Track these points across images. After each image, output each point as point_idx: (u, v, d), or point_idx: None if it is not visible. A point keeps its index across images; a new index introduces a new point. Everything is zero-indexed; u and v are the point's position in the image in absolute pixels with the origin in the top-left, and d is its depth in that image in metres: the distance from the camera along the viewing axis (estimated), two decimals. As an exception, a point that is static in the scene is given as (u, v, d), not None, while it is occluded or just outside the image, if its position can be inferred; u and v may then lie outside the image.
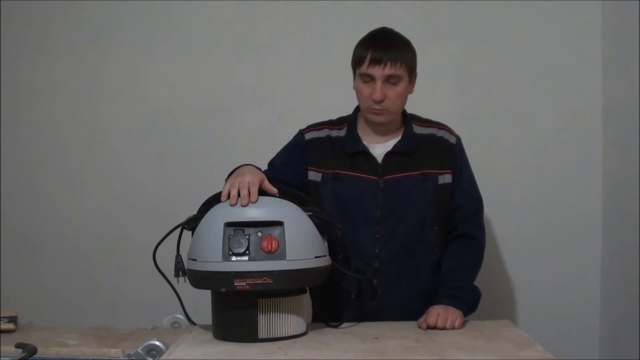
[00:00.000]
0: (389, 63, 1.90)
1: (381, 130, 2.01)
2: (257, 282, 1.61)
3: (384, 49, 1.91)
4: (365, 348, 1.63)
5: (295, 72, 2.63)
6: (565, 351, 2.37)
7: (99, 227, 2.70)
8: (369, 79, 1.92)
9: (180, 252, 1.78)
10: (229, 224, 1.66)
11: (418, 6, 2.58)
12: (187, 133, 2.67)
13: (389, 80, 1.91)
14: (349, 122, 2.05)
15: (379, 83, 1.91)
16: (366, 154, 2.00)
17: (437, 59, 2.56)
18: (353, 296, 1.86)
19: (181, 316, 1.95)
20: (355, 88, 2.00)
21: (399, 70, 1.91)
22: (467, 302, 1.91)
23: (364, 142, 2.01)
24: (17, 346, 1.68)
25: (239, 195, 1.71)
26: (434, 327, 1.80)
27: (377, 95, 1.91)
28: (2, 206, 2.72)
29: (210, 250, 1.65)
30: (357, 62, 1.96)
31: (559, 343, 2.25)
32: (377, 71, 1.90)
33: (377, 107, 1.93)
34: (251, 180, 1.73)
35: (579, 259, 2.57)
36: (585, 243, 2.56)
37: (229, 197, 1.72)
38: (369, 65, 1.91)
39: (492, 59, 2.59)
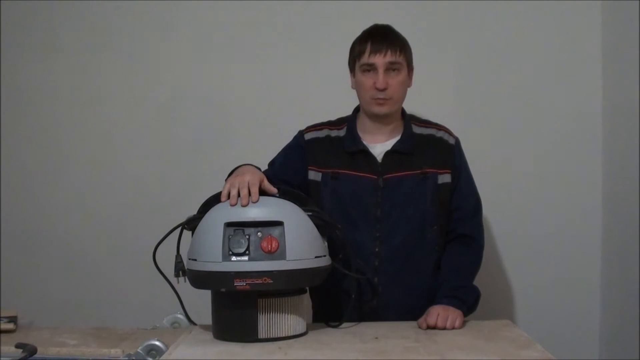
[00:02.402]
0: (389, 51, 1.94)
1: (381, 127, 2.01)
2: (257, 282, 1.61)
3: (383, 38, 1.96)
4: (365, 348, 1.63)
5: (295, 73, 2.62)
6: (565, 351, 2.37)
7: (99, 227, 2.70)
8: (370, 68, 1.95)
9: (180, 252, 1.78)
10: (229, 224, 1.66)
11: (418, 6, 2.58)
12: (186, 133, 2.66)
13: (391, 67, 1.94)
14: (349, 122, 2.06)
15: (381, 71, 1.94)
16: (366, 153, 2.00)
17: (437, 59, 2.56)
18: (353, 296, 1.86)
19: (181, 316, 1.96)
20: (356, 84, 2.01)
21: (400, 58, 1.95)
22: (467, 302, 1.91)
23: (364, 142, 2.01)
24: (17, 346, 1.69)
25: (239, 195, 1.71)
26: (434, 327, 1.80)
27: (380, 83, 1.93)
28: (2, 206, 2.72)
29: (210, 250, 1.65)
30: (356, 55, 1.99)
31: (559, 343, 2.25)
32: (379, 59, 1.94)
33: (380, 95, 1.95)
34: (251, 180, 1.73)
35: (579, 259, 2.57)
36: (585, 243, 2.56)
37: (229, 197, 1.72)
38: (370, 54, 1.95)
39: (492, 59, 2.59)
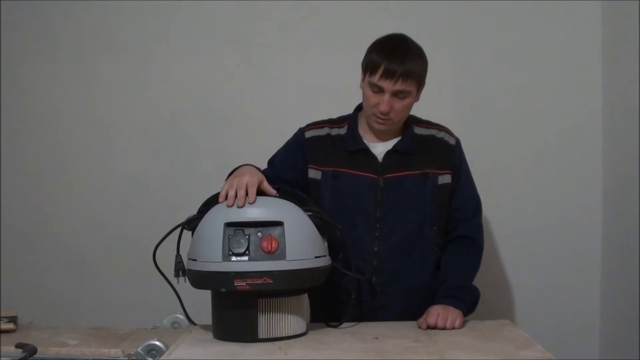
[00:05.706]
0: (400, 79, 1.88)
1: (382, 133, 2.01)
2: (257, 282, 1.61)
3: (398, 63, 1.88)
4: (365, 348, 1.63)
5: (295, 72, 2.62)
6: (565, 351, 2.38)
7: (99, 227, 2.70)
8: (378, 90, 1.91)
9: (180, 252, 1.78)
10: (229, 224, 1.66)
11: (418, 6, 2.58)
12: (187, 133, 2.67)
13: (397, 94, 1.90)
14: (350, 120, 2.05)
15: (387, 96, 1.89)
16: (366, 152, 2.00)
17: (437, 59, 2.54)
18: (353, 296, 1.86)
19: (181, 316, 1.96)
20: (362, 91, 1.98)
21: (409, 86, 1.90)
22: (467, 302, 1.91)
23: (365, 141, 2.01)
24: (17, 346, 1.69)
25: (236, 196, 1.71)
26: (434, 327, 1.80)
27: (384, 108, 1.90)
28: (2, 206, 2.72)
29: (210, 250, 1.65)
30: (369, 68, 1.92)
31: (559, 343, 2.25)
32: (388, 85, 1.88)
33: (381, 117, 1.93)
34: (250, 181, 1.73)
35: (579, 259, 2.57)
36: (585, 243, 2.56)
37: (227, 198, 1.72)
38: (380, 77, 1.88)
39: (491, 60, 2.59)
